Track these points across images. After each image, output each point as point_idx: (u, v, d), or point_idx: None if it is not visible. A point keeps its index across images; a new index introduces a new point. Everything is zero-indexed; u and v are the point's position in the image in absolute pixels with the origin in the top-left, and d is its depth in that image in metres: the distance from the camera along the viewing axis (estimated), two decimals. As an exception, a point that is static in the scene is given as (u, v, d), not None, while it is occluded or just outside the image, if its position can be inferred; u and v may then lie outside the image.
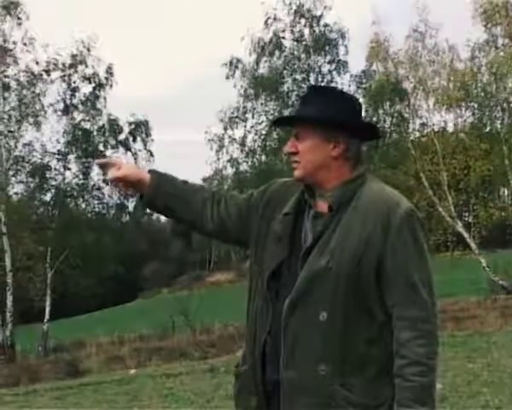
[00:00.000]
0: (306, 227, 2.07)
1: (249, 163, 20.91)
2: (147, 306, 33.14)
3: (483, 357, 8.22)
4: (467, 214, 25.16)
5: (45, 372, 13.88)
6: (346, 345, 1.96)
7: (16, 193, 21.77)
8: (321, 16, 20.47)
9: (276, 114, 19.94)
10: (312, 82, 19.96)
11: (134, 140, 21.65)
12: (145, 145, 21.78)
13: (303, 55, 20.54)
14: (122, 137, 21.42)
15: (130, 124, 21.61)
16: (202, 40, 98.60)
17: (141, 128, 21.73)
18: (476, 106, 21.37)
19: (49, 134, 20.50)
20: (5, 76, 19.61)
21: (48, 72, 19.74)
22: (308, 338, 1.97)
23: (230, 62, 20.52)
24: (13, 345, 18.77)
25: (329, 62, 20.77)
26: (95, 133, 20.87)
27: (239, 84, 20.45)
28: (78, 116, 20.72)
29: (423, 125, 21.93)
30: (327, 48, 20.54)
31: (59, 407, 7.81)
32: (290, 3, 20.24)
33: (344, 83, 20.80)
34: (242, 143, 20.58)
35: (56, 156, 20.53)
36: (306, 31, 20.48)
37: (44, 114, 20.09)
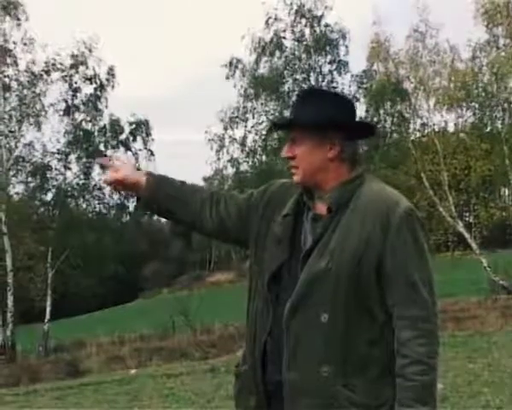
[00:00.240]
0: (306, 229, 2.07)
1: (249, 163, 20.92)
2: (147, 306, 33.14)
3: (484, 357, 8.22)
4: (467, 214, 25.17)
5: (46, 372, 13.88)
6: (348, 346, 1.96)
7: (17, 193, 21.83)
8: (322, 16, 20.48)
9: (277, 114, 19.95)
10: (313, 82, 19.98)
11: (134, 140, 21.67)
12: (145, 145, 21.81)
13: (304, 55, 20.54)
14: (123, 137, 21.45)
15: (130, 124, 21.64)
16: (202, 40, 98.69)
17: (141, 128, 21.75)
18: (477, 106, 21.37)
19: (49, 134, 20.55)
20: (5, 76, 19.62)
21: (47, 72, 19.75)
22: (310, 340, 1.97)
23: (230, 63, 20.53)
24: (13, 345, 18.78)
25: (330, 62, 20.78)
26: (96, 133, 20.89)
27: (239, 85, 20.47)
28: (79, 116, 20.77)
29: (424, 125, 21.95)
30: (327, 48, 20.53)
31: (59, 407, 7.81)
32: (291, 3, 20.26)
33: (345, 83, 20.83)
34: (243, 143, 20.58)
35: (57, 156, 20.56)
36: (307, 31, 20.48)
37: (45, 114, 20.12)
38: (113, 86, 20.93)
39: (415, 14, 20.98)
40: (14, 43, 19.53)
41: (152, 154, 21.82)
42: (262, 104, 20.48)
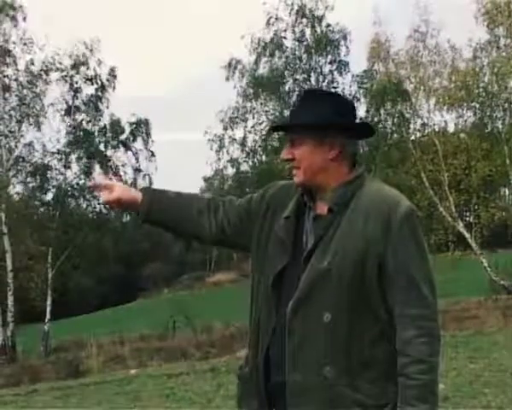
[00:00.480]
0: (307, 230, 2.08)
1: (250, 163, 20.90)
2: (147, 306, 33.11)
3: (484, 357, 8.22)
4: (468, 214, 25.13)
5: (46, 372, 13.88)
6: (351, 345, 1.96)
7: (17, 193, 21.83)
8: (323, 16, 20.47)
9: (277, 114, 19.94)
10: (313, 82, 19.97)
11: (134, 140, 21.66)
12: (146, 145, 21.80)
13: (304, 56, 20.53)
14: (123, 137, 21.43)
15: (130, 124, 21.62)
16: (202, 40, 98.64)
17: (141, 128, 21.73)
18: (477, 106, 21.33)
19: (49, 134, 20.55)
20: (5, 76, 19.61)
21: (47, 71, 19.74)
22: (312, 340, 1.97)
23: (229, 64, 20.50)
24: (14, 345, 18.78)
25: (331, 63, 20.75)
26: (96, 133, 20.89)
27: (238, 85, 20.45)
28: (79, 117, 20.76)
29: (424, 125, 21.90)
30: (328, 48, 20.52)
31: (60, 407, 7.82)
32: (292, 4, 20.24)
33: (345, 83, 20.81)
34: (243, 144, 20.56)
35: (57, 156, 20.55)
36: (308, 31, 20.47)
37: (44, 113, 20.11)
38: (114, 87, 20.95)
39: (415, 15, 21.01)
40: (14, 43, 19.55)
41: (153, 155, 21.82)
42: (262, 104, 20.47)
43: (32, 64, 19.61)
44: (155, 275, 43.37)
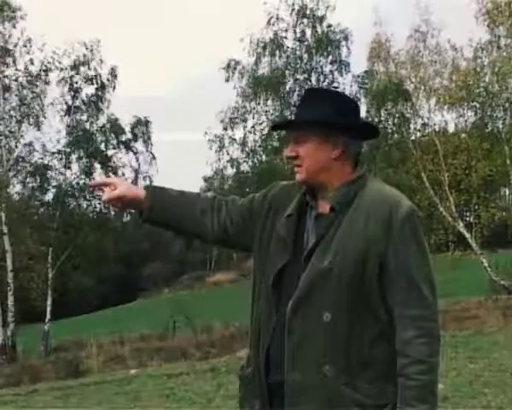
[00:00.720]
0: (309, 229, 2.08)
1: (250, 163, 20.89)
2: (147, 306, 33.11)
3: (484, 357, 8.22)
4: (468, 214, 25.14)
5: (46, 372, 13.87)
6: (351, 345, 1.96)
7: (17, 193, 21.81)
8: (323, 17, 20.45)
9: (277, 114, 19.92)
10: (314, 82, 19.95)
11: (135, 140, 21.65)
12: (146, 145, 21.78)
13: (305, 56, 20.52)
14: (123, 137, 21.42)
15: (131, 124, 21.62)
16: (202, 40, 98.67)
17: (141, 128, 21.72)
18: (478, 106, 21.33)
19: (49, 134, 20.53)
20: (5, 76, 19.61)
21: (46, 71, 19.74)
22: (312, 339, 1.97)
23: (228, 65, 20.48)
24: (14, 345, 18.77)
25: (331, 63, 20.74)
26: (96, 134, 20.87)
27: (238, 86, 20.44)
28: (79, 117, 20.74)
29: (425, 125, 21.90)
30: (329, 48, 20.50)
31: (60, 407, 7.81)
32: (293, 4, 20.23)
33: (346, 83, 20.79)
34: (243, 144, 20.55)
35: (57, 156, 20.54)
36: (309, 31, 20.46)
37: (44, 114, 20.10)
38: (114, 87, 20.94)
39: (416, 15, 21.01)
40: (15, 44, 19.54)
41: (154, 157, 21.80)
42: (261, 104, 20.45)
43: (32, 64, 19.62)
44: (155, 275, 43.37)
